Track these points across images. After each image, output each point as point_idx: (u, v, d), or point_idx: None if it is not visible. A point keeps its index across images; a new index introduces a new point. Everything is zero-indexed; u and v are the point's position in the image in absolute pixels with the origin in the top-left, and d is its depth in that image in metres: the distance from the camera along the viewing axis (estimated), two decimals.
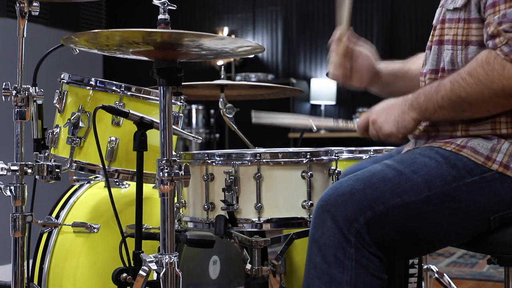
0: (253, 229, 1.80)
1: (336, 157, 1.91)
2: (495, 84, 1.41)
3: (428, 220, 1.47)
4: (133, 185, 2.19)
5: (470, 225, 1.49)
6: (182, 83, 1.68)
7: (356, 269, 1.42)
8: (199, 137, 2.17)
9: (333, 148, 1.95)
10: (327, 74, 2.62)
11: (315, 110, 6.60)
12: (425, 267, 2.45)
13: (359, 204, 1.44)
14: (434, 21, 1.66)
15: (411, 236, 1.48)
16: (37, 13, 1.96)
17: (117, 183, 2.22)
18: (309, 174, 1.79)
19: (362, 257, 1.42)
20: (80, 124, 1.98)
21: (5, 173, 1.89)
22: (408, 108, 1.56)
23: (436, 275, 2.52)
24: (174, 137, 2.02)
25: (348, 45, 1.76)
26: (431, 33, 1.66)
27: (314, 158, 1.81)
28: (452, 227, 1.49)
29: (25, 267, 1.94)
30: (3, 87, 1.93)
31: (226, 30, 7.03)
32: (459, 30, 1.54)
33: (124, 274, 1.77)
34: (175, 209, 1.89)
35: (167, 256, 1.62)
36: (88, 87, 2.01)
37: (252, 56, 6.97)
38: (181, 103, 2.10)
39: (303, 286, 1.48)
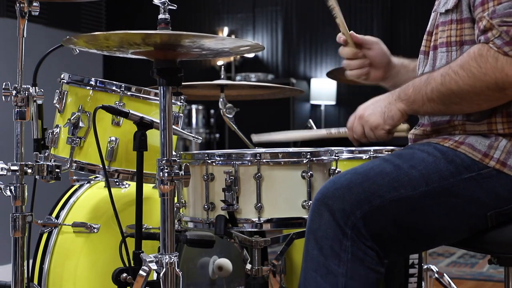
0: (253, 229, 1.80)
1: (336, 157, 1.91)
2: (488, 76, 1.40)
3: (425, 215, 1.47)
4: (133, 185, 2.19)
5: (467, 221, 1.49)
6: (182, 83, 1.68)
7: (352, 262, 1.43)
8: (199, 137, 2.17)
9: (333, 148, 1.95)
10: (327, 74, 2.62)
11: (315, 110, 6.60)
12: (425, 267, 2.45)
13: (356, 198, 1.44)
14: (429, 27, 1.67)
15: (408, 230, 1.48)
16: (37, 13, 1.96)
17: (117, 183, 2.21)
18: (309, 174, 1.79)
19: (358, 250, 1.43)
20: (80, 124, 1.98)
21: (5, 173, 1.89)
22: (395, 99, 1.55)
23: (436, 275, 2.53)
24: (174, 137, 2.02)
25: (356, 38, 1.79)
26: (425, 38, 1.67)
27: (314, 158, 1.81)
28: (449, 223, 1.49)
29: (25, 267, 1.94)
30: (3, 87, 1.93)
31: (226, 30, 7.03)
32: (452, 32, 1.55)
33: (124, 274, 1.76)
34: (175, 209, 1.89)
35: (167, 256, 1.62)
36: (88, 87, 2.01)
37: (252, 56, 6.97)
38: (181, 103, 2.10)
39: (300, 278, 1.48)
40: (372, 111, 1.58)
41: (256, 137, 2.04)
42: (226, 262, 2.25)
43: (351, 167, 2.04)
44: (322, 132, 1.98)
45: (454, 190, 1.46)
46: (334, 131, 1.88)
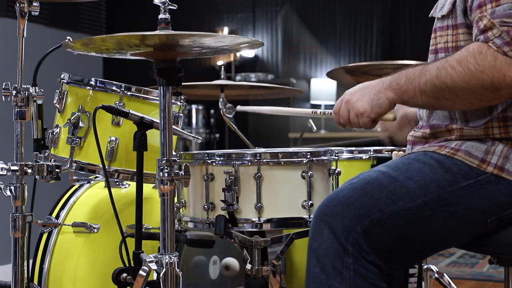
0: (253, 229, 1.80)
1: (336, 157, 1.91)
2: (485, 74, 1.38)
3: (425, 226, 1.46)
4: (133, 185, 2.19)
5: (468, 228, 1.48)
6: (182, 83, 1.68)
7: (355, 279, 1.41)
8: (199, 137, 2.17)
9: (333, 148, 1.95)
10: (327, 74, 2.61)
11: None
12: (425, 267, 2.45)
13: (355, 213, 1.43)
14: (434, 27, 1.67)
15: (409, 242, 1.47)
16: (37, 13, 1.96)
17: (117, 183, 2.21)
18: (309, 174, 1.79)
19: (360, 266, 1.41)
20: (80, 124, 1.98)
21: (5, 173, 1.89)
22: (385, 87, 1.53)
23: (436, 275, 2.52)
24: (174, 137, 2.02)
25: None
26: (433, 37, 1.67)
27: (314, 158, 1.81)
28: (450, 231, 1.48)
29: (25, 267, 1.94)
30: (3, 87, 1.93)
31: (226, 30, 7.04)
32: (448, 37, 1.54)
33: (124, 274, 1.76)
34: (175, 209, 1.89)
35: (167, 256, 1.62)
36: (88, 87, 2.01)
37: (252, 56, 6.97)
38: (181, 103, 2.10)
39: None
40: (360, 97, 1.56)
41: (241, 107, 2.08)
42: (233, 262, 2.24)
43: (351, 168, 2.05)
44: (307, 111, 1.99)
45: (452, 199, 1.45)
46: (319, 111, 1.88)
